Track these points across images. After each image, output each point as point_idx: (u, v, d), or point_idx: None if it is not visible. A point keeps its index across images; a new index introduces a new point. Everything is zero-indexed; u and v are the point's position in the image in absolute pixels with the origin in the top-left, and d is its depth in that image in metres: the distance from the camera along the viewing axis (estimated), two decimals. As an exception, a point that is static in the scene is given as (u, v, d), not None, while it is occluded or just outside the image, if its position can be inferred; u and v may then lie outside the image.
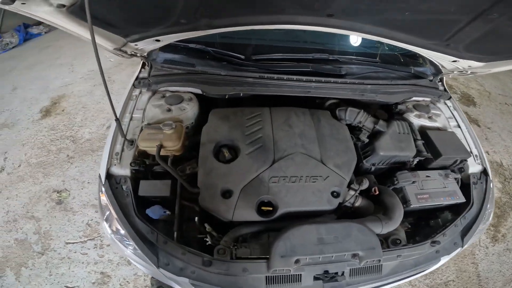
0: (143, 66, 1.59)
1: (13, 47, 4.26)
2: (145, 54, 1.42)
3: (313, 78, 1.50)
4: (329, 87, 1.52)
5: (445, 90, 1.77)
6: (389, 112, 1.71)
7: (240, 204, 1.16)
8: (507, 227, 2.50)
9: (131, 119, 1.40)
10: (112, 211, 1.14)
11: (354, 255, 1.10)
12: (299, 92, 1.48)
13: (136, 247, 1.10)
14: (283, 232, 1.09)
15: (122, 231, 1.13)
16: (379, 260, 1.12)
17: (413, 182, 1.37)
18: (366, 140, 1.49)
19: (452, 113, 1.71)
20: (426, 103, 1.72)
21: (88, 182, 2.33)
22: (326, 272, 1.09)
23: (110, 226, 1.19)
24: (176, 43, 1.44)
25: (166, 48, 1.48)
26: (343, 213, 1.33)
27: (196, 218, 1.17)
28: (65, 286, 1.88)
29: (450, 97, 1.77)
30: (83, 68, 3.54)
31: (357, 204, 1.31)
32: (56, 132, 2.71)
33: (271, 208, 1.18)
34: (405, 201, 1.34)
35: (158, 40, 1.28)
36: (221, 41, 1.56)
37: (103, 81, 1.01)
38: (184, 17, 1.12)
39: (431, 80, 1.71)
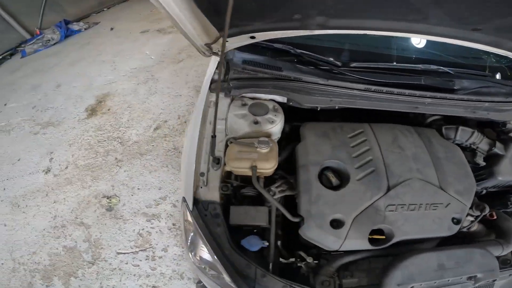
0: (217, 67, 1.37)
1: (54, 44, 4.30)
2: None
3: (427, 93, 1.31)
4: (441, 103, 1.33)
5: None
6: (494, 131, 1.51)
7: (351, 234, 1.05)
8: None
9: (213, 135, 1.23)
10: (204, 243, 1.01)
11: (470, 278, 1.04)
12: (407, 108, 1.31)
13: (231, 282, 0.99)
14: (400, 260, 1.02)
15: (213, 262, 1.02)
16: (494, 280, 1.08)
17: None
18: (483, 164, 1.33)
19: None
20: None
21: (138, 188, 2.20)
22: None
23: (194, 255, 1.08)
24: (259, 42, 1.22)
25: (244, 47, 1.27)
26: (454, 236, 1.22)
27: (279, 242, 1.11)
28: (116, 299, 1.77)
29: None
30: (125, 66, 3.44)
31: (472, 229, 1.22)
32: (103, 133, 2.61)
33: (383, 237, 1.09)
34: None
35: (253, 37, 1.08)
36: (311, 43, 1.34)
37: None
38: (300, 12, 0.91)
39: None
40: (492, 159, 1.32)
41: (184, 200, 1.08)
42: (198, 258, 1.07)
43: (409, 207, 1.11)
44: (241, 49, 1.32)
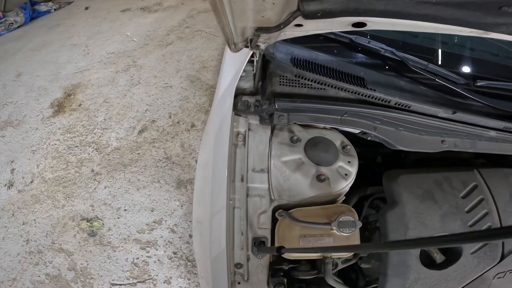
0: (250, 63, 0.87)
1: (18, 27, 3.69)
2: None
3: None
4: None
5: None
6: None
7: None
8: None
9: (247, 194, 0.79)
10: None
11: None
12: None
13: None
14: None
15: None
16: None
17: None
18: None
19: None
20: None
21: (124, 210, 1.77)
22: None
23: None
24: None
25: (296, 39, 0.76)
26: None
27: None
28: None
29: None
30: (100, 50, 2.85)
31: None
32: (73, 136, 2.10)
33: None
34: None
35: (361, 25, 0.57)
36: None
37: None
38: None
39: None
40: None
41: None
42: None
43: None
44: (292, 40, 0.85)
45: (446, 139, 0.88)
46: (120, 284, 1.62)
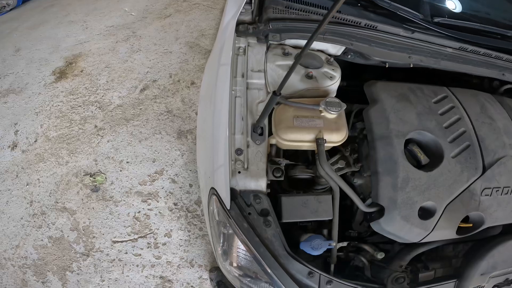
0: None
1: (10, 9, 3.65)
2: None
3: None
4: None
5: None
6: None
7: (441, 225, 0.88)
8: None
9: (247, 87, 0.87)
10: (253, 252, 0.75)
11: None
12: (494, 74, 1.17)
13: None
14: (487, 250, 0.93)
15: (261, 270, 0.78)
16: None
17: None
18: None
19: None
20: None
21: (127, 162, 1.80)
22: (506, 280, 0.98)
23: (230, 263, 0.82)
24: None
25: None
26: None
27: (380, 253, 0.94)
28: (122, 294, 1.51)
29: None
30: (99, 24, 2.88)
31: None
32: (76, 97, 2.14)
33: (471, 225, 0.94)
34: None
35: None
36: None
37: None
38: None
39: None
40: None
41: (214, 192, 0.76)
42: (237, 267, 0.81)
43: (503, 191, 0.96)
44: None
45: (412, 55, 1.05)
46: (122, 241, 1.66)
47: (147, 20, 2.83)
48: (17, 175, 1.89)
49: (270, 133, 0.84)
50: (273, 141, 0.84)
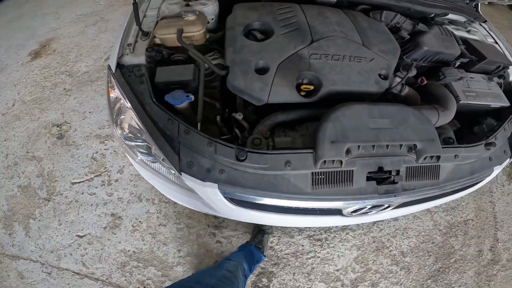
0: None
1: None
2: None
3: None
4: None
5: (480, 14, 1.73)
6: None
7: (277, 81, 0.99)
8: (523, 165, 2.35)
9: (144, 16, 1.21)
10: (125, 100, 0.96)
11: (410, 148, 0.97)
12: None
13: (153, 144, 0.92)
14: (331, 112, 0.93)
15: (137, 126, 0.95)
16: (438, 158, 1.00)
17: (460, 78, 1.27)
18: (407, 37, 1.37)
19: (489, 33, 1.66)
20: (462, 22, 1.66)
21: (89, 112, 2.12)
22: (380, 169, 0.95)
23: (121, 128, 1.01)
24: None
25: None
26: (386, 100, 1.20)
27: (218, 117, 1.04)
28: (76, 236, 1.71)
29: (486, 21, 1.71)
30: (70, 14, 3.22)
31: (404, 92, 1.18)
32: (49, 70, 2.47)
33: (312, 87, 1.04)
34: (454, 97, 1.22)
35: None
36: None
37: None
38: None
39: (467, 3, 1.69)
40: (417, 34, 1.36)
41: (108, 68, 1.05)
42: (126, 131, 1.00)
43: (333, 57, 1.08)
44: None
45: None
46: (79, 182, 1.86)
47: (114, 7, 3.19)
48: (-4, 134, 2.13)
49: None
50: (157, 38, 1.13)
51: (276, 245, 1.75)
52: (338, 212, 1.12)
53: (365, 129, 0.93)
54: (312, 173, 0.91)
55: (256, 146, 0.94)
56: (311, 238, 1.79)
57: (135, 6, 1.04)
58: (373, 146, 0.92)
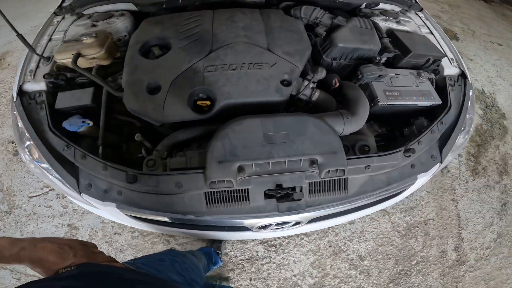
0: None
1: None
2: None
3: None
4: None
5: (416, 2, 1.61)
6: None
7: (170, 100, 0.95)
8: (488, 159, 2.34)
9: (49, 40, 1.26)
10: (23, 129, 0.99)
11: (311, 163, 0.89)
12: None
13: (51, 169, 0.94)
14: (221, 129, 0.90)
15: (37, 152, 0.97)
16: (343, 171, 0.91)
17: (380, 76, 1.17)
18: (324, 34, 1.32)
19: (424, 22, 1.54)
20: (395, 12, 1.54)
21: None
22: (279, 186, 0.89)
23: (30, 153, 1.01)
24: None
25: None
26: (295, 106, 1.16)
27: (137, 135, 0.97)
28: (37, 244, 1.79)
29: (422, 9, 1.59)
30: (25, 26, 3.19)
31: (314, 97, 1.11)
32: (4, 85, 2.49)
33: (208, 102, 0.98)
34: (372, 98, 1.15)
35: None
36: None
37: None
38: None
39: None
40: (333, 30, 1.28)
41: (12, 97, 1.07)
42: (36, 156, 0.99)
43: (230, 67, 1.01)
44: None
45: None
46: (36, 195, 1.91)
47: (68, 17, 3.18)
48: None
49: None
50: (57, 61, 1.10)
51: (230, 251, 1.77)
52: (244, 228, 1.10)
53: (257, 145, 0.87)
54: (205, 192, 0.89)
55: (150, 167, 0.92)
56: (265, 244, 1.80)
57: (20, 37, 1.05)
58: (269, 163, 0.87)
